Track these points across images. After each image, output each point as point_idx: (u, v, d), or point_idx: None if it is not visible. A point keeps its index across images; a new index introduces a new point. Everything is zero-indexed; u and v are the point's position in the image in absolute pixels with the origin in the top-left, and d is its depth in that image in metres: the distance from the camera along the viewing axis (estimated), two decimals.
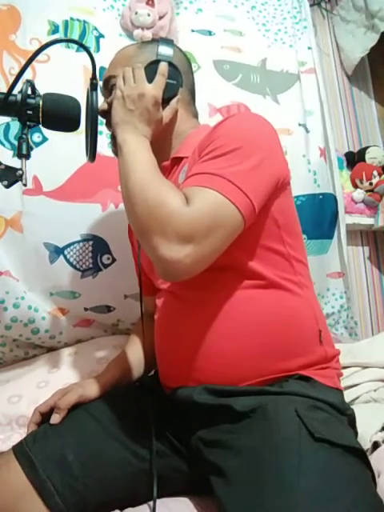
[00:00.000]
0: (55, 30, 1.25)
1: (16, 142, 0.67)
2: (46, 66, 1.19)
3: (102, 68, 1.05)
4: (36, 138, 1.14)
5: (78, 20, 1.27)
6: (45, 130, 1.14)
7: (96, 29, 1.30)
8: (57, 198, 1.14)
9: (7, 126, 1.13)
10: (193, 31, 1.46)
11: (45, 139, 1.15)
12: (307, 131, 1.48)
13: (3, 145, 1.12)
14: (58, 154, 1.15)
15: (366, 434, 0.83)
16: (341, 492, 0.54)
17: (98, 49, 1.28)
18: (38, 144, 1.14)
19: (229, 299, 0.71)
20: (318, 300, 0.82)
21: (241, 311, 0.70)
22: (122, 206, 1.16)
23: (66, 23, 1.26)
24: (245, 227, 0.65)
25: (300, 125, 1.46)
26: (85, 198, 1.16)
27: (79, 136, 1.07)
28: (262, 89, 1.46)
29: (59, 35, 1.25)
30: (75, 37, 1.26)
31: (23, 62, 0.70)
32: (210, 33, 1.48)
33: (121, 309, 1.23)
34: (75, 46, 1.24)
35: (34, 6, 1.23)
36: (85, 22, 1.28)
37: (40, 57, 1.16)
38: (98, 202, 1.17)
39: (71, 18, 1.27)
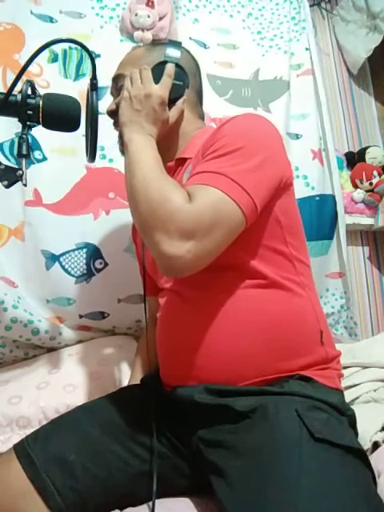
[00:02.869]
0: (55, 58, 1.32)
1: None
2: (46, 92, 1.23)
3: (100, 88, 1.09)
4: (37, 155, 1.21)
5: (76, 49, 1.34)
6: (45, 150, 1.22)
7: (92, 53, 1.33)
8: (55, 212, 1.20)
9: (12, 143, 1.18)
10: (190, 39, 1.49)
11: (45, 158, 1.22)
12: (296, 137, 1.50)
13: (9, 160, 1.18)
14: (57, 172, 1.22)
15: (366, 434, 0.83)
16: (341, 492, 0.54)
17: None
18: (39, 160, 1.21)
19: (231, 298, 0.71)
20: (319, 301, 0.82)
21: (243, 309, 0.70)
22: (112, 212, 1.23)
23: (64, 52, 1.34)
24: (246, 225, 0.65)
25: (288, 133, 1.48)
26: (79, 210, 1.22)
27: (75, 157, 1.21)
28: (253, 101, 1.51)
29: (58, 63, 1.32)
30: (73, 63, 1.33)
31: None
32: (204, 45, 1.51)
33: (115, 314, 1.24)
34: (73, 75, 1.32)
35: (36, 33, 1.28)
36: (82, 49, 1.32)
37: (40, 82, 1.24)
38: (90, 211, 1.22)
39: (69, 47, 1.34)
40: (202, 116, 0.91)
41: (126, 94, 0.77)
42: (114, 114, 0.84)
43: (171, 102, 0.79)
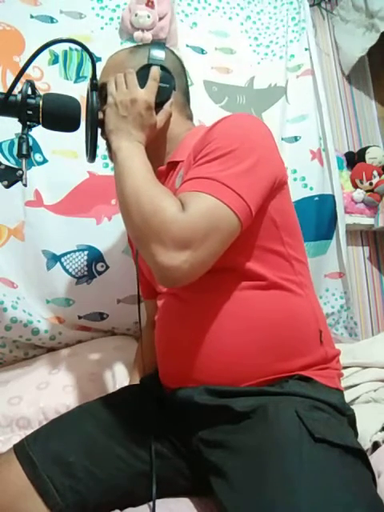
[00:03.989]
0: (55, 59, 1.33)
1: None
2: None
3: None
4: (37, 157, 1.22)
5: (76, 50, 1.35)
6: (45, 152, 1.22)
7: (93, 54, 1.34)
8: (56, 212, 1.20)
9: (11, 143, 1.19)
10: (187, 46, 1.49)
11: (45, 160, 1.23)
12: (295, 140, 1.50)
13: (8, 160, 1.18)
14: (58, 173, 1.22)
15: (366, 434, 0.83)
16: (341, 492, 0.54)
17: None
18: (39, 163, 1.22)
19: (229, 300, 0.70)
20: (318, 300, 0.81)
21: (241, 311, 0.70)
22: (114, 217, 1.24)
23: (65, 53, 1.34)
24: (242, 230, 0.65)
25: (283, 138, 1.48)
26: (81, 212, 1.23)
27: (77, 160, 1.22)
28: (247, 109, 1.51)
29: (59, 64, 1.32)
30: (74, 65, 1.34)
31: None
32: (202, 51, 1.52)
33: (114, 315, 1.25)
34: (74, 76, 1.33)
35: (36, 36, 1.29)
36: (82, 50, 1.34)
37: (40, 85, 1.25)
38: (93, 216, 1.23)
39: (70, 49, 1.35)
40: (190, 117, 0.90)
41: (111, 100, 0.75)
42: (101, 123, 0.80)
43: (158, 105, 0.77)
